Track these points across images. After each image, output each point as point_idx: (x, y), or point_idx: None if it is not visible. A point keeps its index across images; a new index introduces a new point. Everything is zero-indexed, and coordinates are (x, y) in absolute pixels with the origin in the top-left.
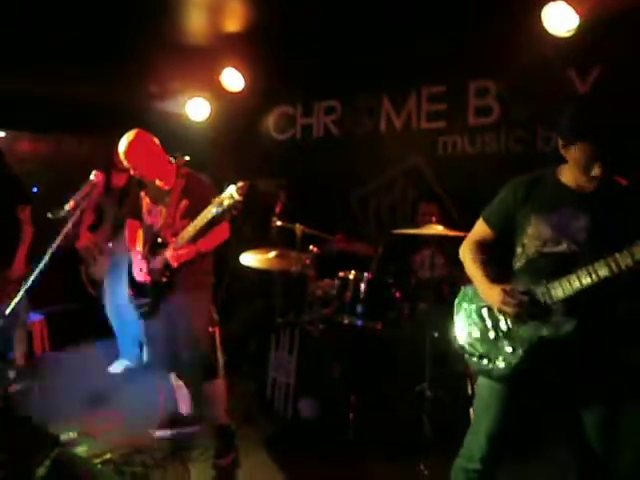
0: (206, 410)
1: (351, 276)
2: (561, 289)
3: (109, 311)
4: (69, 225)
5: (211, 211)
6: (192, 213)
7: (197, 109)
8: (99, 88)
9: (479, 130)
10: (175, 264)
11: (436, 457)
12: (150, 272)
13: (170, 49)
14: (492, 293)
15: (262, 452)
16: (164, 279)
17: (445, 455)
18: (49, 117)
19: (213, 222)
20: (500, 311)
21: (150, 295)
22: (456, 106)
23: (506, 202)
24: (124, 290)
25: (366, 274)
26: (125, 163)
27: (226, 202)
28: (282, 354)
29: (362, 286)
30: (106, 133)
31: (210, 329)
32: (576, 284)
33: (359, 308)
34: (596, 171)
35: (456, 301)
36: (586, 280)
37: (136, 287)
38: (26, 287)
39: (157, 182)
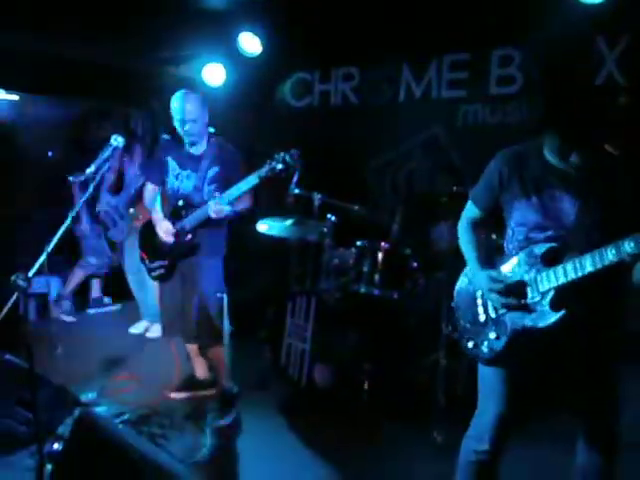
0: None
1: (368, 246)
2: (547, 280)
3: (128, 274)
4: (90, 189)
5: (260, 175)
6: (220, 180)
7: (212, 74)
8: (113, 51)
9: (501, 100)
10: (214, 216)
11: (449, 424)
12: (175, 233)
13: (185, 12)
14: (480, 278)
15: (276, 417)
16: (189, 240)
17: (458, 423)
18: (63, 80)
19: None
20: (487, 297)
21: (168, 257)
22: (478, 75)
23: (491, 184)
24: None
25: (384, 244)
26: (183, 115)
27: (279, 166)
28: (298, 321)
29: (379, 256)
30: (121, 97)
31: (219, 294)
32: (562, 278)
33: (376, 277)
34: (574, 159)
35: (458, 281)
36: (571, 275)
37: (150, 249)
38: (49, 249)
39: (189, 147)
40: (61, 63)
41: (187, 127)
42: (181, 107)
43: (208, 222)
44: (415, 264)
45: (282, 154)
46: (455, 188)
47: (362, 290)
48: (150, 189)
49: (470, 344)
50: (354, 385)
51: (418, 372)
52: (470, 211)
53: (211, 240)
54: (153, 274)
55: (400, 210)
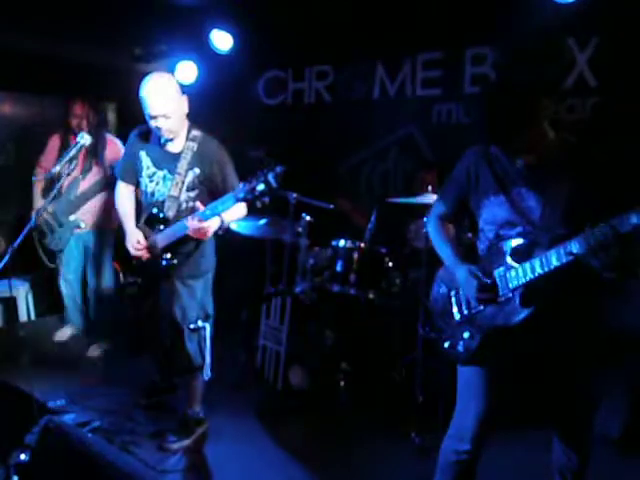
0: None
1: (344, 245)
2: (516, 278)
3: (62, 283)
4: (55, 189)
5: (237, 197)
6: (202, 184)
7: (184, 72)
8: (83, 49)
9: (475, 98)
10: (196, 237)
11: (427, 425)
12: (149, 247)
13: (156, 8)
14: (458, 273)
15: (252, 420)
16: (164, 261)
17: (436, 423)
18: (32, 78)
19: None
20: (464, 293)
21: (142, 275)
22: (452, 73)
23: (459, 182)
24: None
25: (359, 243)
26: (154, 109)
27: (260, 187)
28: (273, 323)
29: (355, 255)
30: (91, 95)
31: (200, 324)
32: (529, 275)
33: (352, 277)
34: (524, 161)
35: (434, 283)
36: (538, 270)
37: (124, 261)
38: (12, 250)
39: (167, 143)
40: (27, 59)
41: (157, 123)
42: (149, 99)
43: (186, 239)
44: (391, 263)
45: (265, 172)
46: (430, 187)
47: (338, 290)
48: (121, 188)
49: (447, 344)
50: (330, 386)
51: (395, 372)
52: (438, 208)
53: (195, 257)
54: (126, 290)
55: (375, 209)
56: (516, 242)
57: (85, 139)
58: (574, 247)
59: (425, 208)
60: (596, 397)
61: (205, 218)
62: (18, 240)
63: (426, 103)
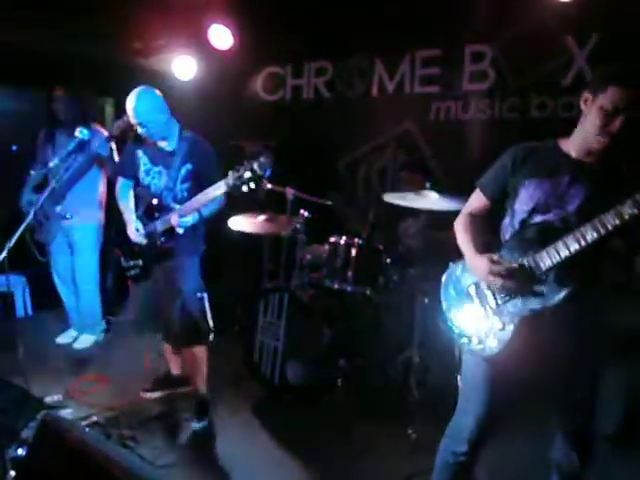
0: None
1: (342, 241)
2: (548, 258)
3: (57, 279)
4: (53, 183)
5: (228, 183)
6: (193, 177)
7: (183, 67)
8: (81, 43)
9: (473, 96)
10: (180, 231)
11: (423, 421)
12: (147, 234)
13: (155, 3)
14: (479, 263)
15: (249, 415)
16: (162, 243)
17: (432, 419)
18: (27, 72)
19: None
20: (487, 283)
21: (143, 258)
22: (451, 71)
23: (503, 167)
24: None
25: (357, 240)
26: (134, 120)
27: (246, 175)
28: (271, 319)
29: (352, 252)
30: (90, 91)
31: (199, 294)
32: (564, 251)
33: (349, 274)
34: (615, 125)
35: (443, 280)
36: (574, 246)
37: (125, 247)
38: (10, 245)
39: (159, 143)
40: (26, 53)
41: (143, 130)
42: (132, 109)
43: None
44: (388, 260)
45: (251, 162)
46: (427, 185)
47: (335, 286)
48: (122, 184)
49: (474, 341)
50: (327, 382)
51: (392, 368)
52: (474, 202)
53: (188, 239)
54: (128, 274)
55: (373, 206)
56: (546, 229)
57: (84, 134)
58: (610, 219)
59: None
60: (598, 392)
61: (184, 212)
62: (16, 235)
63: (424, 100)
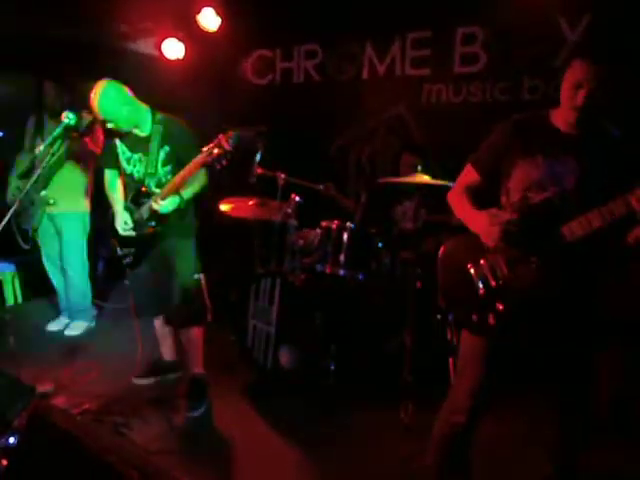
0: (184, 357)
1: (334, 226)
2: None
3: (47, 265)
4: (39, 170)
5: (199, 161)
6: (174, 159)
7: (171, 50)
8: (67, 26)
9: (464, 78)
10: (162, 215)
11: (416, 404)
12: (135, 224)
13: None
14: (479, 218)
15: (242, 400)
16: (149, 230)
17: (425, 402)
18: (12, 56)
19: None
20: (488, 236)
21: (135, 245)
22: (442, 53)
23: (495, 144)
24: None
25: (349, 224)
26: (99, 116)
27: (215, 151)
28: (263, 304)
29: (344, 236)
30: (76, 75)
31: (195, 275)
32: (578, 232)
33: (341, 258)
34: (579, 98)
35: (439, 258)
36: (579, 231)
37: (120, 236)
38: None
39: (134, 130)
40: (9, 37)
41: (112, 125)
42: (97, 107)
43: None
44: (380, 244)
45: (220, 137)
46: (419, 168)
47: (327, 271)
48: (109, 175)
49: (474, 318)
50: (320, 367)
51: (384, 353)
52: (467, 176)
53: (177, 222)
54: (124, 262)
55: (364, 190)
56: (544, 207)
57: (70, 119)
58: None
59: (412, 190)
60: (595, 374)
61: (163, 196)
62: (3, 223)
63: (415, 83)
